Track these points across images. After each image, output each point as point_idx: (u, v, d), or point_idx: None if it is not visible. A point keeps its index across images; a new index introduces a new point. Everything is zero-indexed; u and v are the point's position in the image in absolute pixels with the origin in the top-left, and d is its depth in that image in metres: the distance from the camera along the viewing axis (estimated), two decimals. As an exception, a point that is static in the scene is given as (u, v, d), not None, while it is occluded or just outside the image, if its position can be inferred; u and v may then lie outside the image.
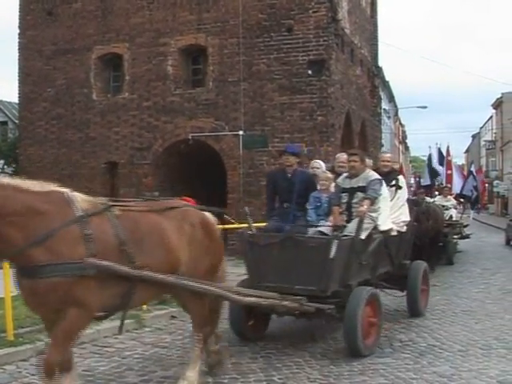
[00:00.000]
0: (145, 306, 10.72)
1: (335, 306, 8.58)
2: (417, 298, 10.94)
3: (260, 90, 20.20)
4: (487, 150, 79.10)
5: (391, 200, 10.23)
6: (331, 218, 9.38)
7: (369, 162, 10.65)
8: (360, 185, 9.35)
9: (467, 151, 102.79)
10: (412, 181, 44.09)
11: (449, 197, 22.53)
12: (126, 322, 8.90)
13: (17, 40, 23.91)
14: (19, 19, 23.86)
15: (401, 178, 11.11)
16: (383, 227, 9.49)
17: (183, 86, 21.45)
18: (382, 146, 34.95)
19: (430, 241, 17.06)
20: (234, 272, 10.39)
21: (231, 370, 7.72)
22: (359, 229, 8.71)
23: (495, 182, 65.46)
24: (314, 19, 19.69)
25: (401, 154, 72.30)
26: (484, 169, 58.33)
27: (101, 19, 22.44)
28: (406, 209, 10.70)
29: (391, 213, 10.07)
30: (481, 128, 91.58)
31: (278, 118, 19.96)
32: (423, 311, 11.19)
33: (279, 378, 7.40)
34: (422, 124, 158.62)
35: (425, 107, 49.18)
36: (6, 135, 41.21)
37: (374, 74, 28.50)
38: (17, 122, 30.61)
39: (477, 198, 25.78)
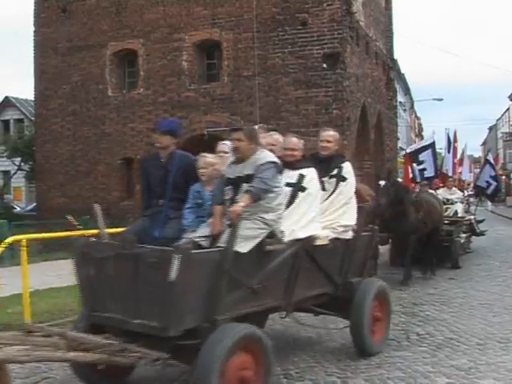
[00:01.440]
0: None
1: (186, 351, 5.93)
2: (361, 329, 7.92)
3: (275, 84, 20.19)
4: (504, 141, 78.73)
5: (329, 196, 7.97)
6: (210, 221, 6.72)
7: (276, 139, 8.03)
8: (247, 172, 6.71)
9: (484, 143, 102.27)
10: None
11: (454, 189, 19.86)
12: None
13: (32, 37, 24.04)
14: (34, 17, 23.99)
15: (347, 165, 8.28)
16: (301, 234, 7.10)
17: (198, 81, 21.47)
18: (398, 139, 34.86)
19: (427, 239, 15.31)
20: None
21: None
22: (232, 238, 6.08)
23: (512, 175, 65.13)
24: (329, 12, 19.64)
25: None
26: (501, 161, 58.01)
27: (115, 15, 22.52)
28: (351, 208, 8.07)
29: (327, 213, 7.81)
30: (497, 120, 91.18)
31: (293, 111, 19.94)
32: (374, 348, 8.12)
33: (296, 372, 7.40)
34: (438, 116, 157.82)
35: (441, 99, 48.99)
36: (22, 132, 41.59)
37: (390, 67, 28.39)
38: (33, 119, 30.87)
39: (496, 188, 23.39)
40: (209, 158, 7.29)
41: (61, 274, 13.39)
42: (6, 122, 48.50)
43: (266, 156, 6.83)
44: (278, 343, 8.72)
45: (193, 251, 5.92)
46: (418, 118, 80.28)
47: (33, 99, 25.66)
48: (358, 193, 12.48)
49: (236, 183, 6.74)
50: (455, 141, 23.72)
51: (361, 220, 8.34)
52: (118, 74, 23.02)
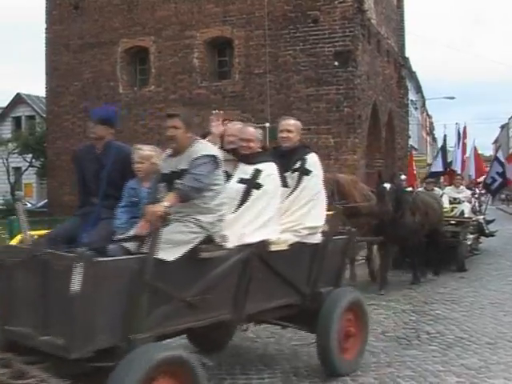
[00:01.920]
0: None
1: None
2: (327, 346, 6.98)
3: (286, 82, 20.17)
4: (517, 140, 78.36)
5: (292, 192, 7.00)
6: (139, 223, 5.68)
7: (237, 129, 7.16)
8: (182, 167, 5.87)
9: (495, 142, 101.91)
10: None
11: (462, 187, 18.78)
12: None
13: (43, 35, 24.11)
14: (46, 14, 24.05)
15: (311, 157, 7.30)
16: (252, 238, 6.24)
17: (209, 78, 21.48)
18: (409, 137, 34.80)
19: (428, 241, 14.84)
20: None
21: (257, 361, 7.75)
22: (153, 244, 5.25)
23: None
24: (340, 10, 19.60)
25: (428, 145, 71.85)
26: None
27: (127, 13, 22.54)
28: (318, 207, 7.07)
29: (288, 213, 6.88)
30: (510, 118, 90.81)
31: (304, 109, 19.90)
32: (344, 369, 7.18)
33: (305, 370, 7.41)
34: (450, 115, 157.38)
35: (452, 98, 48.82)
36: (33, 129, 41.69)
37: (401, 65, 28.32)
38: (44, 115, 30.94)
39: (501, 185, 23.38)
40: (145, 150, 6.41)
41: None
42: (18, 119, 48.58)
43: (203, 148, 5.94)
44: (286, 341, 8.75)
45: (100, 259, 5.03)
46: (429, 117, 80.00)
47: (44, 96, 25.75)
48: (347, 191, 12.46)
49: (170, 180, 5.87)
50: (464, 137, 23.36)
51: (335, 220, 7.60)
52: (129, 71, 23.07)
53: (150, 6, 22.10)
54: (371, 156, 23.00)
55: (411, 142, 39.91)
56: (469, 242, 17.54)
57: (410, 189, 16.64)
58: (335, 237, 7.48)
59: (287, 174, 7.04)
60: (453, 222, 16.82)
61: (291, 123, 7.52)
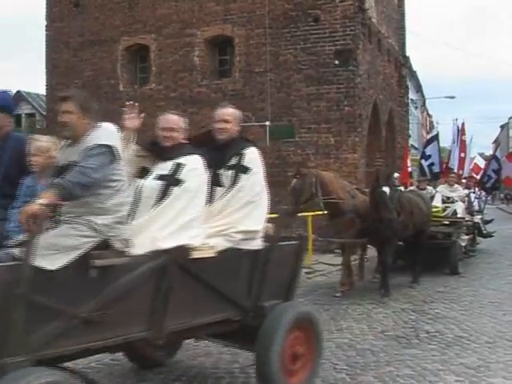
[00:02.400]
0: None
1: None
2: (267, 367, 5.96)
3: (286, 81, 20.17)
4: (517, 140, 78.35)
5: (227, 192, 6.03)
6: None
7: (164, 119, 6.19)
8: (73, 159, 5.02)
9: (495, 141, 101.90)
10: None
11: (456, 186, 18.02)
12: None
13: (44, 32, 24.09)
14: (46, 11, 24.00)
15: (251, 151, 6.27)
16: (167, 243, 5.31)
17: (210, 76, 21.48)
18: (410, 136, 34.82)
19: (415, 242, 14.24)
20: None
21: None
22: (28, 250, 4.35)
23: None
24: (341, 9, 19.61)
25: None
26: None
27: (127, 10, 22.53)
28: (258, 209, 6.07)
29: (221, 216, 5.97)
30: (510, 118, 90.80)
31: (304, 108, 19.92)
32: None
33: (305, 369, 7.41)
34: (450, 114, 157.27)
35: (453, 97, 48.76)
36: (33, 127, 41.71)
37: (402, 64, 28.33)
38: (44, 113, 30.94)
39: (496, 181, 22.28)
40: (42, 141, 5.55)
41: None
42: (18, 117, 48.54)
43: (99, 137, 5.06)
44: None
45: None
46: (429, 116, 79.96)
47: (45, 94, 25.73)
48: (329, 187, 12.17)
49: (60, 174, 4.95)
50: (463, 133, 22.69)
51: (281, 224, 6.82)
52: (129, 69, 23.05)
53: (151, 4, 22.09)
54: (371, 155, 23.01)
55: (411, 141, 39.94)
56: (463, 243, 16.83)
57: (401, 187, 16.64)
58: (282, 242, 6.57)
59: (221, 172, 6.12)
60: (446, 222, 16.20)
61: (229, 112, 6.48)
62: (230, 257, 5.80)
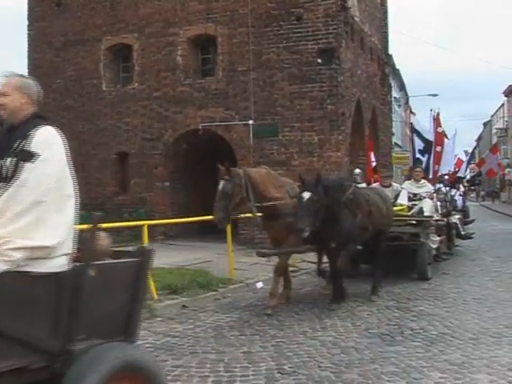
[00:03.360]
0: (155, 296, 10.80)
1: None
2: None
3: (269, 79, 20.17)
4: (499, 137, 78.74)
5: (4, 189, 4.23)
6: None
7: None
8: None
9: (479, 139, 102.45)
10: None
11: (423, 181, 16.26)
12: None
13: (26, 32, 23.97)
14: (28, 11, 23.89)
15: (42, 133, 4.53)
16: None
17: (193, 75, 21.44)
18: (393, 134, 34.90)
19: (374, 245, 12.57)
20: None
21: (242, 358, 7.75)
22: None
23: (507, 170, 65.04)
24: (324, 7, 19.63)
25: (411, 142, 71.99)
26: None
27: (110, 10, 22.46)
28: (50, 212, 4.23)
29: None
30: (492, 116, 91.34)
31: (287, 107, 19.93)
32: None
33: (290, 367, 7.40)
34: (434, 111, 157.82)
35: (435, 95, 48.90)
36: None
37: (384, 62, 28.41)
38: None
39: (475, 176, 22.05)
40: None
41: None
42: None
43: None
44: (271, 339, 8.76)
45: None
46: (413, 114, 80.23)
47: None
48: (261, 187, 10.63)
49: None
50: (438, 125, 20.96)
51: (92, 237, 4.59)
52: (112, 69, 22.97)
53: (133, 3, 22.04)
54: (355, 153, 23.06)
55: (395, 139, 40.04)
56: (434, 245, 15.28)
57: (363, 185, 15.86)
58: (104, 261, 5.00)
59: (1, 162, 4.35)
60: (414, 221, 14.55)
61: (8, 82, 4.60)
62: (10, 284, 4.04)
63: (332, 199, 10.56)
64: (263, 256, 11.78)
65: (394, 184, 16.29)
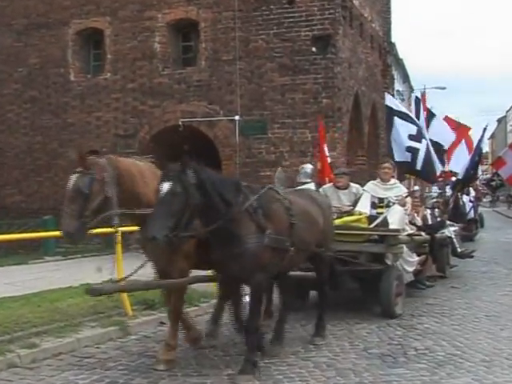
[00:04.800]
0: (130, 312, 10.77)
1: None
2: None
3: (258, 70, 20.20)
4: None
5: None
6: None
7: None
8: None
9: (492, 137, 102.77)
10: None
11: (394, 181, 13.45)
12: (109, 329, 8.95)
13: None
14: (-14, -10, 23.81)
15: None
16: None
17: (172, 65, 21.44)
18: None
19: (315, 271, 10.06)
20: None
21: (227, 381, 7.74)
22: None
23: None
24: (319, -10, 19.68)
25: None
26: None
27: (79, -11, 22.40)
28: None
29: None
30: (507, 112, 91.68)
31: (278, 101, 19.96)
32: None
33: (282, 389, 7.41)
34: (441, 108, 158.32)
35: (443, 88, 49.19)
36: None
37: (386, 51, 28.50)
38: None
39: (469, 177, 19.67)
40: None
41: (14, 281, 13.41)
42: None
43: None
44: (259, 360, 8.75)
45: None
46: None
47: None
48: (129, 185, 8.17)
49: None
50: (424, 108, 19.34)
51: None
52: (81, 57, 22.93)
53: (106, -18, 22.00)
54: (353, 152, 23.12)
55: None
56: (410, 269, 12.83)
57: (311, 185, 13.30)
58: None
59: None
60: (375, 236, 12.04)
61: None
62: None
63: (213, 198, 7.74)
64: (99, 294, 8.59)
65: (352, 185, 13.12)
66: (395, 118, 17.08)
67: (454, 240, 17.42)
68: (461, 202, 21.59)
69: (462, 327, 10.76)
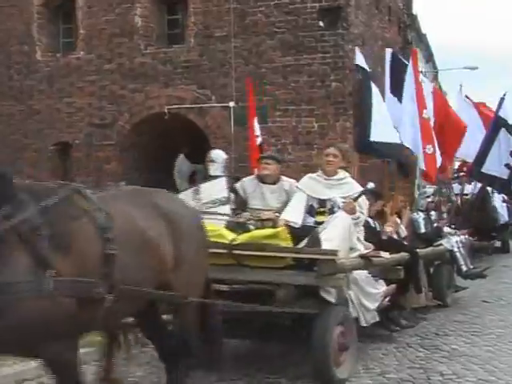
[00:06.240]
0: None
1: None
2: None
3: (256, 49, 20.17)
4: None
5: None
6: None
7: None
8: None
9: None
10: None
11: (342, 174, 10.61)
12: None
13: None
14: None
15: None
16: None
17: (156, 43, 21.44)
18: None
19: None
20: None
21: None
22: None
23: None
24: (327, -48, 19.71)
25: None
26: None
27: (44, -49, 22.43)
28: None
29: None
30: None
31: (279, 84, 19.95)
32: None
33: None
34: (472, 91, 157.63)
35: (475, 68, 49.08)
36: None
37: (407, 26, 28.50)
38: None
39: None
40: None
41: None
42: None
43: None
44: (259, 381, 8.74)
45: None
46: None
47: None
48: None
49: None
50: (415, 70, 17.71)
51: None
52: (49, 32, 22.87)
53: None
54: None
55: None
56: (372, 305, 10.29)
57: (220, 182, 11.01)
58: None
59: None
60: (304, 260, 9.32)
61: None
62: None
63: None
64: None
65: (285, 180, 10.83)
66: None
67: (458, 254, 15.16)
68: (492, 202, 21.36)
69: (496, 349, 10.82)
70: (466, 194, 21.73)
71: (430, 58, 53.98)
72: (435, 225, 15.59)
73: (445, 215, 17.73)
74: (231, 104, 20.03)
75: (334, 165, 10.45)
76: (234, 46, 20.21)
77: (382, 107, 16.31)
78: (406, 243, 13.04)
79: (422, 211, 15.54)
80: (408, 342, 11.27)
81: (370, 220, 11.86)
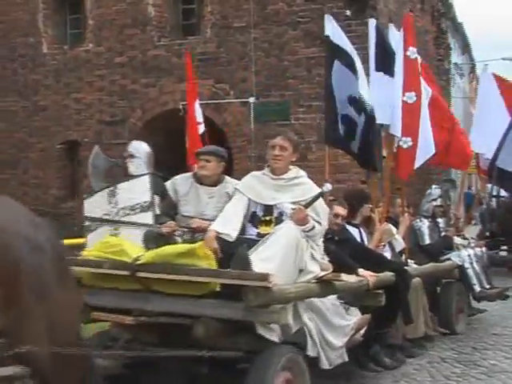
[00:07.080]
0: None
1: None
2: None
3: (278, 40, 20.20)
4: None
5: None
6: None
7: None
8: None
9: None
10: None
11: (296, 172, 8.90)
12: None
13: None
14: None
15: None
16: None
17: (170, 34, 21.49)
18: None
19: None
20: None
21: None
22: None
23: None
24: None
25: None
26: None
27: None
28: None
29: None
30: None
31: (303, 78, 19.95)
32: None
33: None
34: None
35: (515, 59, 48.92)
36: None
37: (441, 14, 28.47)
38: None
39: None
40: None
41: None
42: None
43: None
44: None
45: None
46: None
47: None
48: None
49: None
50: (408, 40, 14.09)
51: None
52: (56, 23, 22.98)
53: None
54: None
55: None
56: (337, 342, 8.41)
57: (143, 182, 9.19)
58: None
59: None
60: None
61: None
62: None
63: None
64: None
65: (228, 180, 9.32)
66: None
67: (469, 271, 13.13)
68: None
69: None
70: (502, 196, 20.91)
71: (466, 48, 53.85)
72: (443, 234, 13.76)
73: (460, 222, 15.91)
74: (251, 99, 20.06)
75: (282, 160, 8.71)
76: (253, 37, 20.24)
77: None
78: (391, 259, 11.11)
79: (426, 217, 13.57)
80: (443, 356, 11.17)
81: (352, 229, 10.60)
